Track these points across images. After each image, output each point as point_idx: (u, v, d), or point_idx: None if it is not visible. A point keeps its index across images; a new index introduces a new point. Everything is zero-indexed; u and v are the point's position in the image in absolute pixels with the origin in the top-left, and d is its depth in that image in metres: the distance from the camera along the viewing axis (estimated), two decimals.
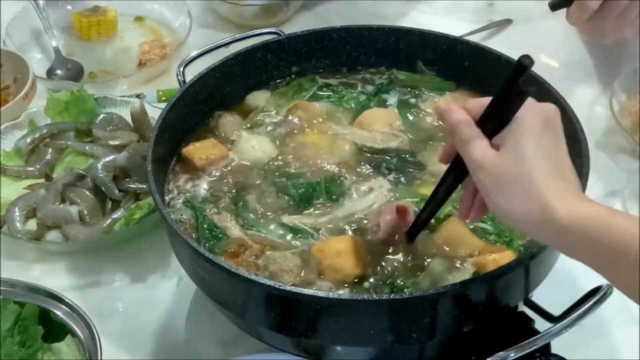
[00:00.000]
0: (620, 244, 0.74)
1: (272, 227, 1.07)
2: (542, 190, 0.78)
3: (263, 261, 1.01)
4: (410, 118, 1.23)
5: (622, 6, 1.26)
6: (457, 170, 0.89)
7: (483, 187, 0.82)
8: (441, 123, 0.89)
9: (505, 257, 0.97)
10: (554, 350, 0.95)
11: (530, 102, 0.81)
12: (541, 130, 0.81)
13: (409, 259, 1.01)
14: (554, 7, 1.30)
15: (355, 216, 1.07)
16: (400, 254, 1.01)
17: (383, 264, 1.00)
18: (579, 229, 0.76)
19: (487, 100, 0.84)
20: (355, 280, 0.99)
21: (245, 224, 1.07)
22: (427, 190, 1.07)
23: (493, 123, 0.83)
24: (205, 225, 1.06)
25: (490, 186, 0.81)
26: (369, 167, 1.15)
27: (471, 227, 1.04)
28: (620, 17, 1.27)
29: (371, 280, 0.99)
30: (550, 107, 0.83)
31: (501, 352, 0.90)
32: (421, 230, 1.01)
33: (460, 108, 0.86)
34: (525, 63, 0.78)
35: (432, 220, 1.02)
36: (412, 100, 1.26)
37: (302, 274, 1.00)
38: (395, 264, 1.00)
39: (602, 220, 0.76)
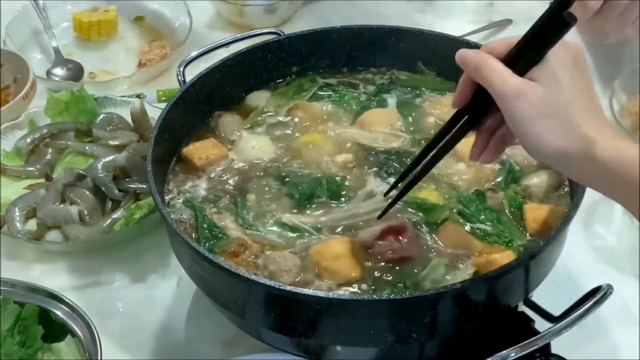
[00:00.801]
0: None
1: (272, 226, 1.07)
2: (583, 125, 0.78)
3: (262, 261, 1.01)
4: (411, 118, 1.23)
5: (622, 6, 1.26)
6: (474, 111, 0.87)
7: (520, 117, 0.79)
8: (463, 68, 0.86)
9: (505, 257, 0.97)
10: (554, 350, 0.96)
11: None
12: (572, 67, 0.80)
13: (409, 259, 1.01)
14: None
15: (356, 218, 1.07)
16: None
17: (381, 265, 1.00)
18: (618, 166, 0.76)
19: (510, 40, 0.83)
20: (354, 282, 0.99)
21: (245, 223, 1.07)
22: (427, 194, 1.08)
23: (523, 60, 0.81)
24: (205, 225, 1.06)
25: (529, 115, 0.79)
26: (369, 167, 1.15)
27: (471, 228, 1.04)
28: (621, 17, 1.27)
29: (370, 282, 0.99)
30: (576, 45, 0.82)
31: (501, 352, 0.90)
32: (417, 183, 0.98)
33: (480, 51, 0.84)
34: None
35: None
36: (413, 101, 1.26)
37: (302, 274, 1.00)
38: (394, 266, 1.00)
39: (638, 157, 0.75)
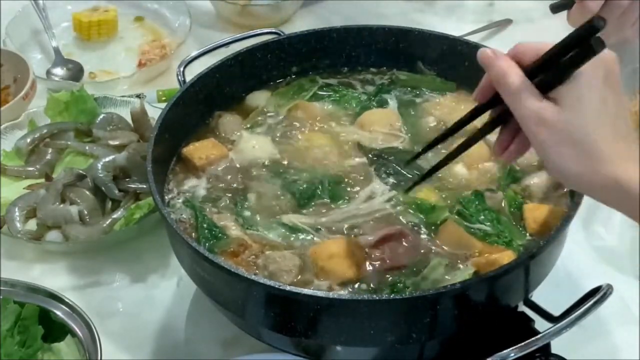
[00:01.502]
0: None
1: (272, 226, 1.07)
2: (605, 151, 0.76)
3: (262, 261, 1.01)
4: (411, 119, 1.23)
5: (623, 7, 1.26)
6: (498, 114, 0.85)
7: (540, 143, 0.78)
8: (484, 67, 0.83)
9: (505, 257, 0.97)
10: (554, 350, 0.96)
11: None
12: (603, 87, 0.77)
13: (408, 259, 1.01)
14: (555, 9, 1.29)
15: (356, 219, 1.06)
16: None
17: (379, 265, 1.00)
18: None
19: (538, 47, 0.80)
20: (352, 282, 0.98)
21: (245, 223, 1.07)
22: (427, 195, 1.08)
23: (548, 77, 0.78)
24: (205, 225, 1.06)
25: (552, 143, 0.77)
26: (369, 168, 1.14)
27: (470, 228, 1.04)
28: (621, 18, 1.27)
29: (369, 282, 0.99)
30: (610, 56, 0.79)
31: (501, 352, 0.90)
32: (423, 180, 0.98)
33: (506, 56, 0.81)
34: (598, 25, 0.75)
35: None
36: (413, 101, 1.26)
37: (302, 274, 1.00)
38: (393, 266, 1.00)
39: None
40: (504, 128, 0.86)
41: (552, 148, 0.77)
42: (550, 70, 0.79)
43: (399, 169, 1.13)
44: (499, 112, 0.86)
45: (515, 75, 0.79)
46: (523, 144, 0.84)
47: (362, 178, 1.13)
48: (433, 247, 1.02)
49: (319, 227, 1.05)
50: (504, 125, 0.86)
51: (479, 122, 0.91)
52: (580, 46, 0.76)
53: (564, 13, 1.30)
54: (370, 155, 1.16)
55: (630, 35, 1.33)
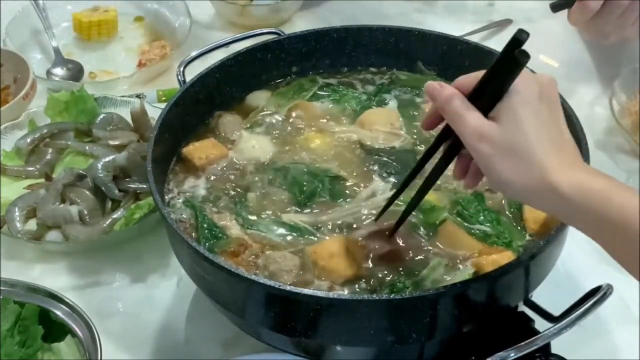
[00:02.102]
0: (620, 218, 0.75)
1: (272, 226, 1.07)
2: (543, 159, 0.79)
3: (262, 261, 1.01)
4: (411, 118, 1.23)
5: (623, 6, 1.26)
6: (449, 145, 0.89)
7: (483, 158, 0.82)
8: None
9: (504, 257, 0.97)
10: (554, 350, 0.96)
11: (524, 73, 0.81)
12: (538, 101, 0.81)
13: (408, 259, 1.01)
14: (555, 8, 1.30)
15: (356, 217, 1.07)
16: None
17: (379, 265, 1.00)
18: (580, 199, 0.77)
19: (477, 75, 0.84)
20: (352, 281, 0.98)
21: (246, 222, 1.07)
22: (426, 196, 1.07)
23: (487, 97, 0.82)
24: (205, 225, 1.06)
25: (491, 156, 0.81)
26: (370, 167, 1.15)
27: (470, 229, 1.04)
28: (621, 18, 1.27)
29: (369, 281, 0.99)
30: (545, 77, 0.83)
31: (501, 352, 0.90)
32: (402, 222, 1.00)
33: (449, 86, 0.86)
34: (521, 37, 0.79)
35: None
36: (413, 101, 1.26)
37: (302, 274, 1.00)
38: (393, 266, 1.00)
39: (604, 192, 0.76)
40: (459, 157, 0.90)
41: (492, 161, 0.81)
42: (488, 91, 0.83)
43: (400, 167, 1.13)
44: (450, 143, 0.90)
45: (457, 100, 0.84)
46: (476, 172, 0.88)
47: (362, 177, 1.13)
48: (432, 248, 1.02)
49: (319, 226, 1.05)
50: (459, 154, 0.90)
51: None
52: (509, 61, 0.80)
53: (565, 13, 1.30)
54: (371, 155, 1.16)
55: (631, 35, 1.34)
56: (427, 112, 0.92)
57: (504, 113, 0.81)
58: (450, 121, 0.85)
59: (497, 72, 0.82)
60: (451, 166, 1.07)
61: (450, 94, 0.84)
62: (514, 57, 0.79)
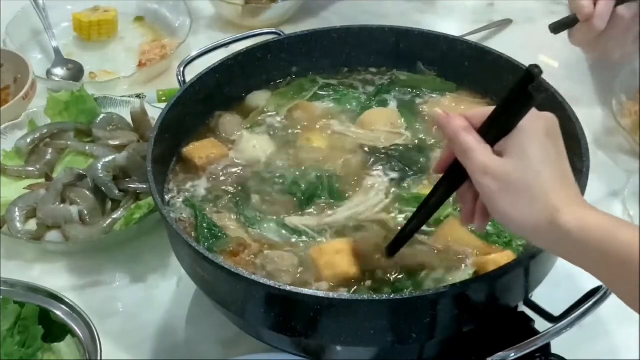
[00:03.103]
0: (622, 255, 0.74)
1: (272, 226, 1.07)
2: (549, 196, 0.79)
3: (261, 260, 1.01)
4: (412, 119, 1.23)
5: (626, 22, 1.25)
6: (452, 179, 0.89)
7: (488, 193, 0.82)
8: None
9: (504, 257, 0.97)
10: (554, 350, 0.95)
11: (531, 110, 0.81)
12: (545, 137, 0.81)
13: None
14: (555, 29, 1.28)
15: (359, 220, 1.06)
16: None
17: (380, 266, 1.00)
18: (582, 236, 0.77)
19: (487, 110, 0.84)
20: (354, 281, 0.98)
21: (246, 222, 1.07)
22: (428, 192, 1.07)
23: (495, 131, 0.83)
24: (204, 224, 1.06)
25: (496, 191, 0.81)
26: (371, 167, 1.15)
27: (471, 227, 1.04)
28: (624, 34, 1.27)
29: (370, 281, 0.99)
30: (550, 116, 0.84)
31: (501, 352, 0.90)
32: (403, 245, 0.99)
33: (459, 115, 0.86)
34: (534, 72, 0.78)
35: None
36: (413, 101, 1.26)
37: (300, 274, 1.00)
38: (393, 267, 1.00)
39: (605, 229, 0.76)
40: (462, 199, 0.90)
41: (496, 197, 0.81)
42: (497, 125, 0.83)
43: (401, 167, 1.13)
44: (449, 182, 0.90)
45: (466, 135, 0.84)
46: (483, 212, 0.88)
47: (363, 177, 1.13)
48: (433, 247, 1.02)
49: (321, 228, 1.05)
50: (460, 195, 0.90)
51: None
52: (520, 95, 0.80)
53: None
54: (372, 155, 1.16)
55: (632, 51, 1.33)
56: (440, 157, 0.92)
57: (510, 147, 0.81)
58: (458, 156, 0.85)
59: (508, 106, 0.81)
60: None
61: (458, 126, 0.84)
62: (528, 92, 0.78)
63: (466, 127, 0.84)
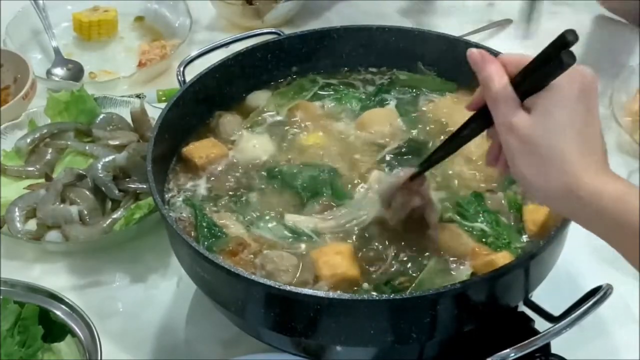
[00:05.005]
0: (634, 222, 0.74)
1: (272, 226, 1.07)
2: (569, 163, 0.78)
3: (260, 260, 1.01)
4: (412, 119, 1.23)
5: None
6: (482, 119, 0.88)
7: (509, 149, 0.81)
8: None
9: (501, 258, 0.97)
10: (554, 350, 0.95)
11: (570, 69, 0.79)
12: (576, 101, 0.79)
13: (407, 264, 1.01)
14: None
15: (359, 220, 1.06)
16: (398, 257, 1.01)
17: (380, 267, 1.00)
18: (598, 206, 0.76)
19: (523, 58, 0.83)
20: (353, 281, 0.98)
21: (246, 222, 1.07)
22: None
23: (528, 84, 0.81)
24: (204, 224, 1.06)
25: (517, 150, 0.80)
26: (371, 166, 1.14)
27: (469, 229, 1.04)
28: None
29: (369, 281, 0.99)
30: (588, 73, 0.81)
31: (501, 352, 0.90)
32: (431, 167, 1.00)
33: (495, 60, 0.84)
34: (568, 39, 0.77)
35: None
36: (413, 101, 1.26)
37: (299, 274, 1.00)
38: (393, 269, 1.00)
39: (619, 197, 0.76)
40: (492, 140, 0.89)
41: (518, 154, 0.80)
42: (530, 80, 0.81)
43: (401, 166, 1.13)
44: (481, 121, 0.89)
45: (498, 83, 0.82)
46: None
47: (363, 177, 1.13)
48: (432, 247, 1.02)
49: (322, 231, 1.05)
50: (491, 136, 0.89)
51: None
52: (553, 59, 0.78)
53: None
54: (372, 154, 1.16)
55: None
56: (473, 96, 0.90)
57: (539, 107, 0.80)
58: (487, 100, 0.83)
59: (541, 67, 0.80)
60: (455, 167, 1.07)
61: (494, 72, 0.83)
62: (559, 57, 0.77)
63: (500, 75, 0.82)
